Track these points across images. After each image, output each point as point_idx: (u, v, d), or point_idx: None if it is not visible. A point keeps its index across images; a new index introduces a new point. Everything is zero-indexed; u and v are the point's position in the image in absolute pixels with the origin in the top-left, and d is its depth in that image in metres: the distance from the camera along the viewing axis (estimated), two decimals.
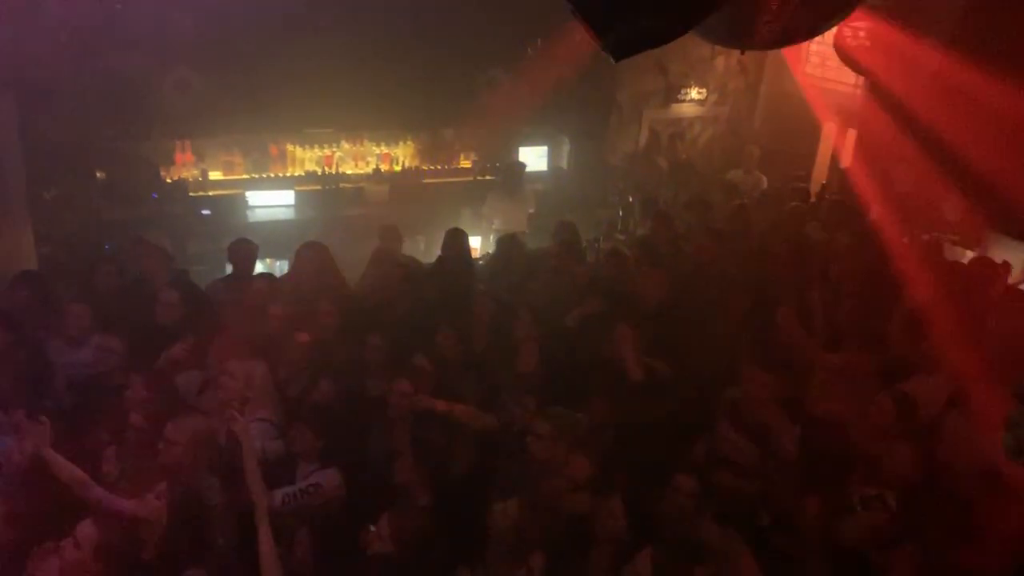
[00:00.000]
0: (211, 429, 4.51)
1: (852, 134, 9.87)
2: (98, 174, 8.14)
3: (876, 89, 8.94)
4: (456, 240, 6.88)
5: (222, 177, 8.82)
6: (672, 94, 10.92)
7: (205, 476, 4.11)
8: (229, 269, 6.67)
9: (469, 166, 9.94)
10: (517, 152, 10.02)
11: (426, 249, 8.40)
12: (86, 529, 3.48)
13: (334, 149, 9.20)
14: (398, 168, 9.47)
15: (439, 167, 9.77)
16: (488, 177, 9.85)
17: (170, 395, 4.90)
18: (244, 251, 6.36)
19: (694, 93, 11.02)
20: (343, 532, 4.05)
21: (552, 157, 10.47)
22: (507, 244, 6.99)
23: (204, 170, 8.71)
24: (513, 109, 9.37)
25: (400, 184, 9.35)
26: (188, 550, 3.75)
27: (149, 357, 5.15)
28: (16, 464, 4.05)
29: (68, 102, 7.57)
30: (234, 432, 4.11)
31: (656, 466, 4.43)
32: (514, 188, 8.95)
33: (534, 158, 10.10)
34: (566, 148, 10.55)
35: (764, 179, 9.82)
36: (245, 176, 8.90)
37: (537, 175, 10.07)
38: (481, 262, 7.88)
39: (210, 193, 8.68)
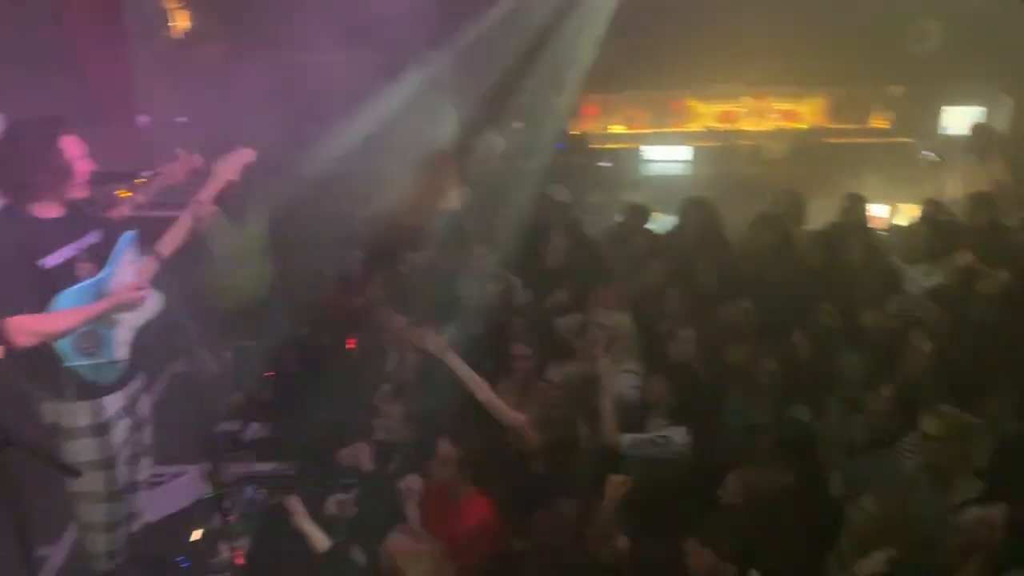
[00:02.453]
0: (587, 374, 4.79)
1: None
2: (515, 124, 8.86)
3: None
4: (855, 207, 6.41)
5: (622, 130, 9.13)
6: None
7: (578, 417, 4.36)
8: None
9: (886, 126, 9.08)
10: (939, 113, 8.93)
11: (820, 215, 7.93)
12: (446, 447, 3.87)
13: (735, 105, 9.01)
14: (801, 126, 8.99)
15: (848, 126, 9.08)
16: (907, 140, 8.92)
17: (552, 335, 5.28)
18: (636, 212, 6.54)
19: None
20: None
21: (989, 120, 9.13)
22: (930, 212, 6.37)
23: (606, 123, 9.08)
24: (941, 62, 8.35)
25: (801, 143, 8.88)
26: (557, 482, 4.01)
27: (534, 297, 5.59)
28: None
29: (497, 55, 8.34)
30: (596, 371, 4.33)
31: None
32: (983, 151, 8.00)
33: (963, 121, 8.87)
34: (1008, 109, 9.13)
35: None
36: (644, 130, 9.11)
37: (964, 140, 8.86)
38: (885, 233, 7.25)
39: (610, 146, 9.03)
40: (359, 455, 4.19)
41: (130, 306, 3.56)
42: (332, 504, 4.11)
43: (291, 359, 5.69)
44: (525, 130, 8.87)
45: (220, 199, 5.17)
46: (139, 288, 3.55)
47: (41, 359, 3.46)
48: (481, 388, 4.37)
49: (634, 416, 4.52)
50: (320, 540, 3.80)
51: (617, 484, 3.66)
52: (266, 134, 6.91)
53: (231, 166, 4.06)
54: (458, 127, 8.31)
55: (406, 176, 7.80)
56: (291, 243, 5.76)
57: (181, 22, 7.28)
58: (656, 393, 4.46)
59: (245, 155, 4.11)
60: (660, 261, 5.85)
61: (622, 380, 4.74)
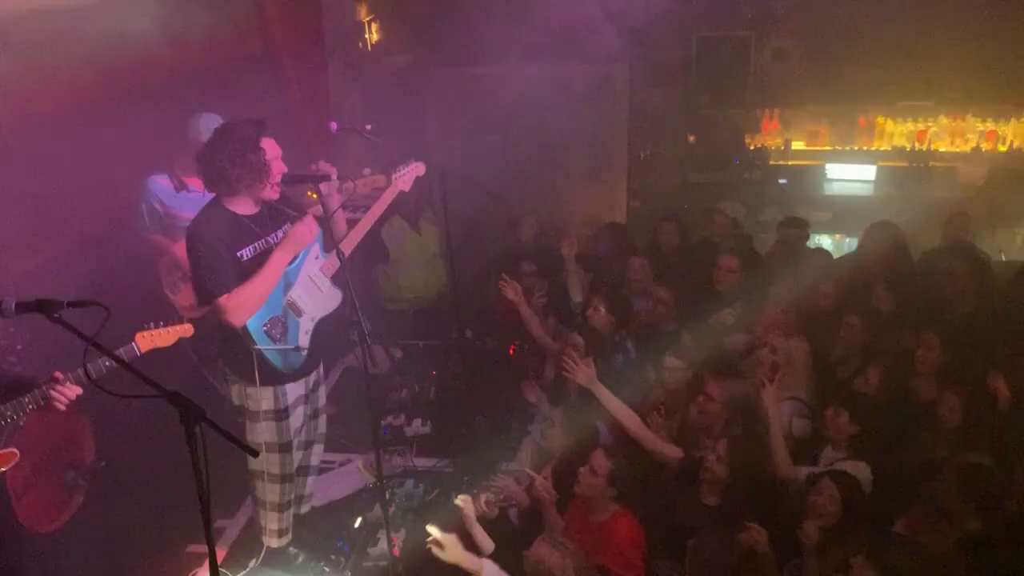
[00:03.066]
0: (747, 394, 4.67)
1: None
2: (689, 138, 8.73)
3: None
4: None
5: (804, 147, 8.78)
6: None
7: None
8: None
9: None
10: None
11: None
12: (600, 458, 3.87)
13: (929, 123, 8.43)
14: (1003, 148, 8.30)
15: None
16: None
17: (717, 354, 5.16)
18: (795, 234, 6.28)
19: None
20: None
21: None
22: None
23: (787, 139, 8.76)
24: None
25: (1003, 167, 8.19)
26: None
27: (699, 314, 5.48)
28: None
29: (673, 70, 8.27)
30: (761, 397, 4.20)
31: None
32: None
33: None
34: None
35: None
36: (828, 147, 8.72)
37: None
38: None
39: (790, 162, 8.71)
40: (511, 488, 4.28)
41: (303, 244, 3.80)
42: (480, 503, 4.19)
43: (455, 360, 5.86)
44: (699, 143, 8.72)
45: (396, 206, 5.45)
46: (312, 230, 3.80)
47: (235, 343, 3.76)
48: (631, 420, 4.33)
49: (803, 446, 4.34)
50: (486, 544, 3.87)
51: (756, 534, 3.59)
52: (446, 143, 7.20)
53: (404, 178, 4.37)
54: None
55: (576, 188, 7.88)
56: (463, 250, 5.93)
57: (375, 35, 7.67)
58: (833, 424, 4.26)
59: (417, 168, 4.43)
60: (835, 285, 5.56)
61: (789, 407, 4.57)
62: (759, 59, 8.22)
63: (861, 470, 4.07)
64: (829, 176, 8.63)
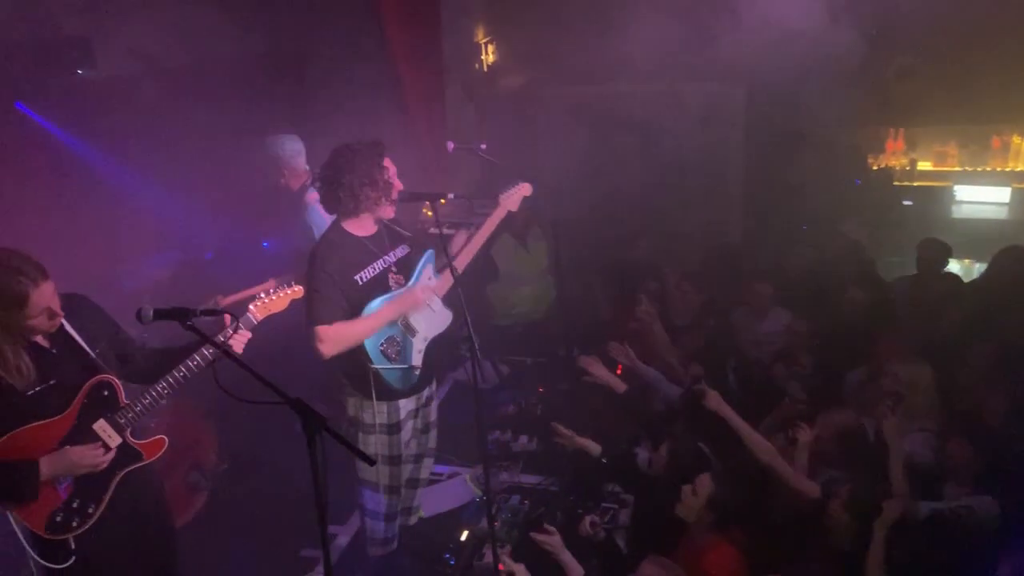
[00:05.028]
0: (859, 423, 4.47)
1: None
2: (809, 159, 8.46)
3: None
4: None
5: (931, 168, 8.42)
6: None
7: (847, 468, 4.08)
8: None
9: None
10: None
11: None
12: (705, 481, 3.79)
13: None
14: None
15: None
16: None
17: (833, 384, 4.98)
18: (934, 251, 5.98)
19: None
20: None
21: None
22: None
23: (913, 159, 8.42)
24: None
25: None
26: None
27: (824, 338, 5.30)
28: None
29: (791, 91, 8.04)
30: (883, 430, 4.01)
31: None
32: None
33: None
34: None
35: None
36: (956, 168, 8.33)
37: None
38: None
39: (915, 184, 8.37)
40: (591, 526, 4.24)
41: (416, 308, 3.89)
42: (585, 525, 4.15)
43: (562, 377, 5.85)
44: (819, 162, 8.44)
45: (505, 224, 5.52)
46: (425, 295, 3.88)
47: (356, 360, 3.87)
48: (764, 448, 4.17)
49: (927, 480, 4.12)
50: (576, 570, 3.82)
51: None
52: (557, 162, 7.24)
53: (512, 199, 4.43)
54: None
55: (689, 208, 7.76)
56: (570, 266, 5.94)
57: (490, 56, 7.82)
58: (957, 457, 4.03)
59: (524, 189, 4.48)
60: (962, 310, 5.29)
61: (916, 440, 4.33)
62: (883, 76, 7.92)
63: (988, 505, 3.84)
64: (958, 198, 8.24)
